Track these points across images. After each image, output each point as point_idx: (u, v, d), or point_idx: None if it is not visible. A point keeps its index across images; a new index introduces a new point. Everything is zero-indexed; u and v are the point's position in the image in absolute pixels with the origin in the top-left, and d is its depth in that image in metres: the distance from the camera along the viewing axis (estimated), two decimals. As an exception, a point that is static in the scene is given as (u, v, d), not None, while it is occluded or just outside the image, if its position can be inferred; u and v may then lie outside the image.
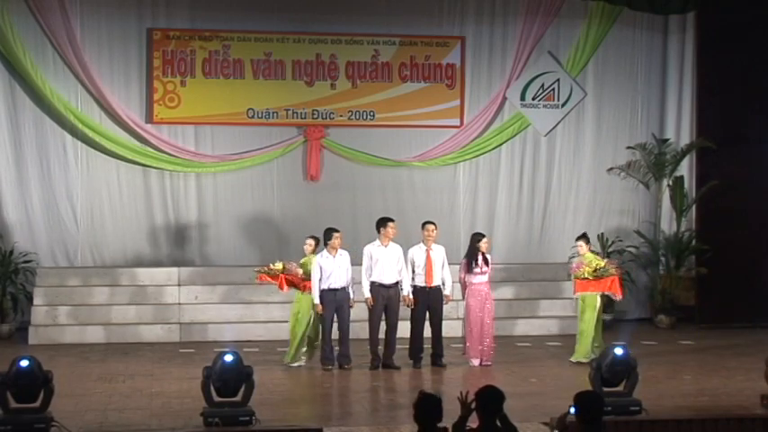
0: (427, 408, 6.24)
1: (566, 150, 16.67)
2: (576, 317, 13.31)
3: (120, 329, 14.38)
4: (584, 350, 12.58)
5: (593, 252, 13.23)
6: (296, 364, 12.31)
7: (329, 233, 12.41)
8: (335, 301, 12.22)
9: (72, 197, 15.43)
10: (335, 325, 12.30)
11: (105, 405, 10.24)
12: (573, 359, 12.67)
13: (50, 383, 8.88)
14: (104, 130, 15.37)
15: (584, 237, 13.19)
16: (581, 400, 6.31)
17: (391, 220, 12.61)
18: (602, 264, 12.75)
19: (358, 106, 16.04)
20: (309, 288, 12.22)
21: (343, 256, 12.35)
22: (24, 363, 8.74)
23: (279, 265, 12.42)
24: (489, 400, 6.26)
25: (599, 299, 12.74)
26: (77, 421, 9.29)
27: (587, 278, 12.57)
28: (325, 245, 12.37)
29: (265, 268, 12.55)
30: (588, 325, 12.62)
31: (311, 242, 12.55)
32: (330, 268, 12.22)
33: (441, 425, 6.28)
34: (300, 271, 12.33)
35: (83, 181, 15.47)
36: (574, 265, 12.94)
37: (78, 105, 15.33)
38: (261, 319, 14.56)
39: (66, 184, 15.39)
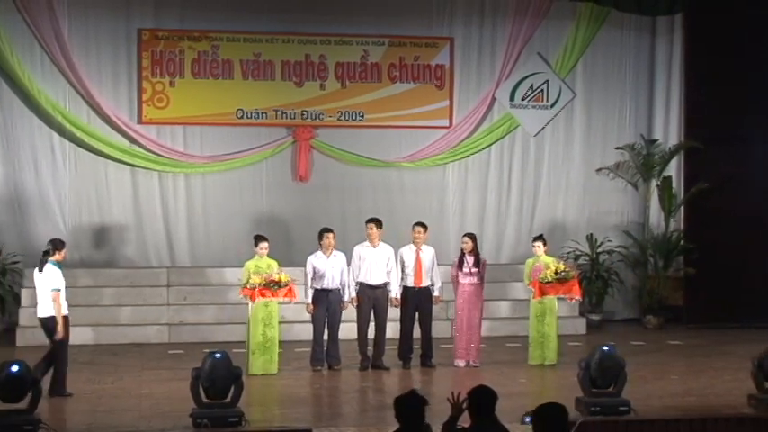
0: (411, 406, 6.22)
1: (555, 151, 16.71)
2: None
3: (108, 330, 14.34)
4: (554, 353, 12.56)
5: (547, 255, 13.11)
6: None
7: (321, 233, 12.41)
8: (327, 301, 12.22)
9: (60, 197, 15.39)
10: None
11: (94, 406, 10.22)
12: (546, 362, 12.53)
13: (38, 385, 8.87)
14: (93, 130, 15.33)
15: (541, 238, 13.10)
16: (540, 412, 5.84)
17: (370, 221, 12.57)
18: (562, 266, 12.70)
19: (347, 107, 16.04)
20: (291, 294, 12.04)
21: (338, 257, 12.34)
22: (14, 368, 8.72)
23: (256, 279, 11.90)
24: (482, 400, 6.24)
25: (557, 301, 12.75)
26: (66, 423, 9.26)
27: (550, 281, 12.53)
28: (319, 245, 12.37)
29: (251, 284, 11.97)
30: (552, 328, 12.61)
31: (264, 245, 12.18)
32: (323, 268, 12.22)
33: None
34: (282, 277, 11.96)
35: (71, 181, 15.43)
36: (535, 268, 12.77)
37: (66, 105, 15.30)
38: (250, 319, 14.54)
39: (54, 185, 15.35)
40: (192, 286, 15.00)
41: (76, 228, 15.44)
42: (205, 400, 9.06)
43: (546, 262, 12.73)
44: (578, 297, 13.10)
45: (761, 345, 10.45)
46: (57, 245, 10.85)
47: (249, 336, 12.05)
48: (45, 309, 10.64)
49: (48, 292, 10.58)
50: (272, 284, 11.85)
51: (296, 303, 12.42)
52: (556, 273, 12.49)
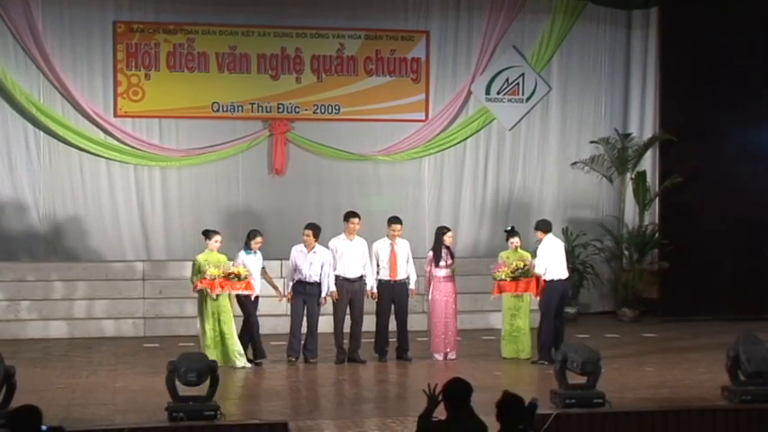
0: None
1: (530, 145, 16.76)
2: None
3: (83, 324, 14.29)
4: (528, 346, 12.59)
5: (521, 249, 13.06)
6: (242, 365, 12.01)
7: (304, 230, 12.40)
8: (305, 293, 12.24)
9: (34, 190, 15.29)
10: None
11: (68, 400, 10.18)
12: (521, 356, 12.55)
13: (13, 379, 8.81)
14: (67, 122, 15.24)
15: (515, 233, 12.94)
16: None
17: (355, 216, 12.60)
18: (522, 264, 12.58)
19: (323, 100, 16.02)
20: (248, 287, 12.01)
21: (318, 254, 12.31)
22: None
23: (215, 271, 11.78)
24: (457, 393, 6.27)
25: (530, 295, 12.73)
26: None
27: (504, 280, 12.51)
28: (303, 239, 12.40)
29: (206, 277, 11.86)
30: (526, 322, 12.65)
31: (219, 238, 12.11)
32: (300, 262, 12.25)
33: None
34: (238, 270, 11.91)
35: (45, 174, 15.34)
36: (493, 266, 12.75)
37: (41, 98, 15.20)
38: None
39: (28, 178, 15.25)
40: (167, 280, 14.94)
41: (51, 220, 15.36)
42: (181, 393, 9.03)
43: (512, 259, 12.68)
44: (535, 297, 12.75)
45: (734, 337, 10.51)
46: (251, 235, 12.35)
47: (203, 330, 11.97)
48: None
49: None
50: (231, 276, 11.82)
51: (271, 297, 12.43)
52: (513, 272, 12.47)
